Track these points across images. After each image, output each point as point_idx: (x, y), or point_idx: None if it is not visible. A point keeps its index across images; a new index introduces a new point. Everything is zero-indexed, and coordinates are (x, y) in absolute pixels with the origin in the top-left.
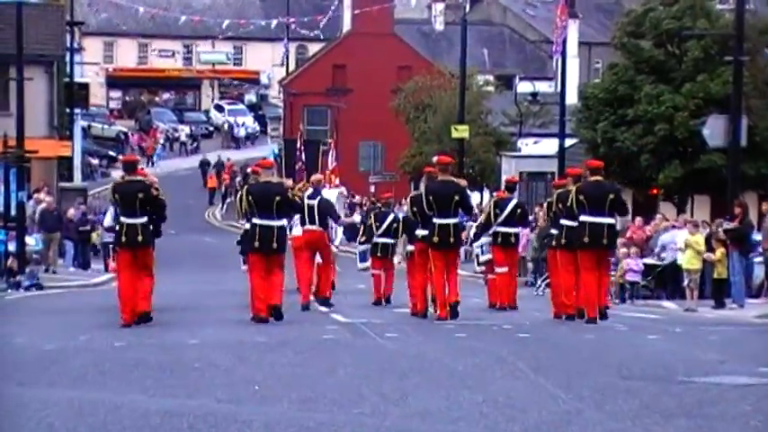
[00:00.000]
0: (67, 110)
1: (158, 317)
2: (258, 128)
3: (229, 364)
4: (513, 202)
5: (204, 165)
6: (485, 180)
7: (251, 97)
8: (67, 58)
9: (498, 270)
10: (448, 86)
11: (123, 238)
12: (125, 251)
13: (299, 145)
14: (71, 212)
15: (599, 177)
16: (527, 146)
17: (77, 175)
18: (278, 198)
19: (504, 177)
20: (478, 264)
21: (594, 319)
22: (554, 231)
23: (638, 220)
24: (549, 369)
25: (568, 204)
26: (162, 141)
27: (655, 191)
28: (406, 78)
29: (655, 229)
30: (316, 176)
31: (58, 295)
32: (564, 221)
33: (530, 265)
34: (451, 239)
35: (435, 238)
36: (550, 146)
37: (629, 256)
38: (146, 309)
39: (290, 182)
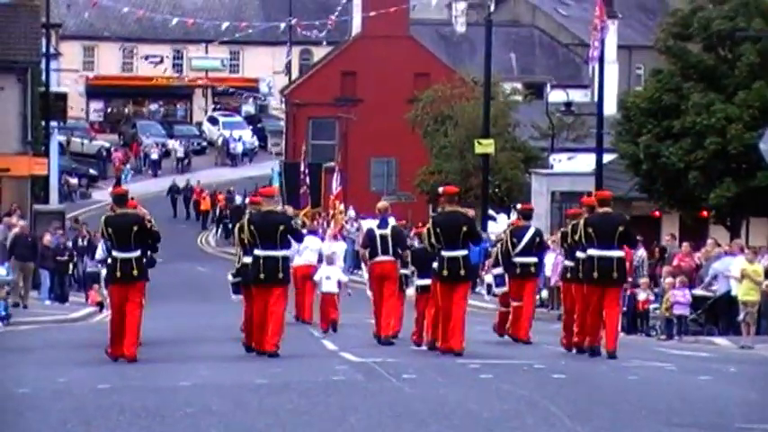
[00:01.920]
0: (43, 123)
1: (147, 354)
2: (257, 143)
3: (226, 409)
4: (531, 230)
5: (174, 191)
6: (512, 201)
7: (249, 108)
8: (43, 65)
9: (514, 304)
10: (470, 95)
11: (118, 274)
12: (119, 287)
13: (302, 168)
14: (47, 239)
15: (608, 209)
16: (560, 162)
17: (54, 196)
18: (281, 228)
19: (533, 199)
20: (489, 294)
21: (598, 350)
22: (568, 263)
23: (686, 245)
24: (587, 415)
25: (576, 237)
26: (154, 157)
27: (705, 213)
28: (424, 86)
29: (705, 256)
30: (382, 204)
31: (32, 331)
32: (579, 254)
33: None
34: (461, 272)
35: (445, 272)
36: (586, 162)
37: (676, 287)
38: (131, 355)
39: (290, 210)
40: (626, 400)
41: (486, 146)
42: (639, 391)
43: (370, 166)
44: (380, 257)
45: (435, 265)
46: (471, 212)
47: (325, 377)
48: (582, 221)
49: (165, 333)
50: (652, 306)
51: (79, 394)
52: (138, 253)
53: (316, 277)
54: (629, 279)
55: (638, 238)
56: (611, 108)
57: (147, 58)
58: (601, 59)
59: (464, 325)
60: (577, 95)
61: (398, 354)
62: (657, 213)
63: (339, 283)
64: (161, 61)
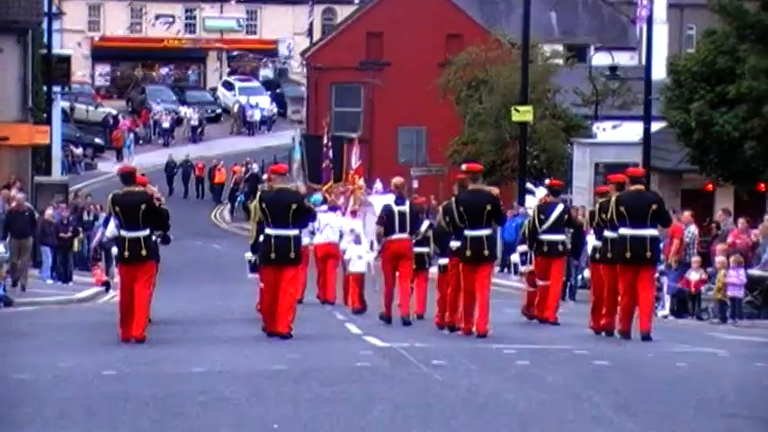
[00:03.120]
0: (44, 88)
1: (156, 338)
2: (276, 110)
3: (241, 398)
4: (560, 207)
5: (171, 167)
6: (552, 174)
7: (267, 73)
8: (45, 26)
9: (540, 283)
10: (507, 59)
11: (126, 254)
12: (127, 266)
13: (325, 141)
14: (49, 213)
15: (640, 187)
16: (604, 131)
17: (56, 167)
18: (294, 206)
19: (574, 171)
20: (515, 273)
21: (628, 335)
22: (597, 243)
23: (742, 222)
24: (634, 407)
25: (608, 216)
26: (165, 125)
27: (762, 186)
28: (457, 49)
29: (763, 233)
30: (399, 179)
31: (33, 313)
32: (607, 233)
33: None
34: (485, 252)
35: (468, 252)
36: (633, 131)
37: (731, 267)
38: (140, 334)
39: (303, 188)
40: (675, 389)
41: (523, 113)
42: (690, 380)
43: (398, 135)
44: (397, 235)
45: (453, 244)
46: (496, 191)
47: (348, 363)
48: (613, 200)
49: (176, 316)
50: (704, 287)
51: (82, 381)
52: (146, 232)
53: (345, 256)
54: (660, 258)
55: (690, 213)
56: (659, 72)
57: (157, 17)
58: (649, 19)
59: (489, 307)
60: (623, 58)
61: (427, 338)
62: (710, 187)
63: (369, 263)
64: (172, 22)
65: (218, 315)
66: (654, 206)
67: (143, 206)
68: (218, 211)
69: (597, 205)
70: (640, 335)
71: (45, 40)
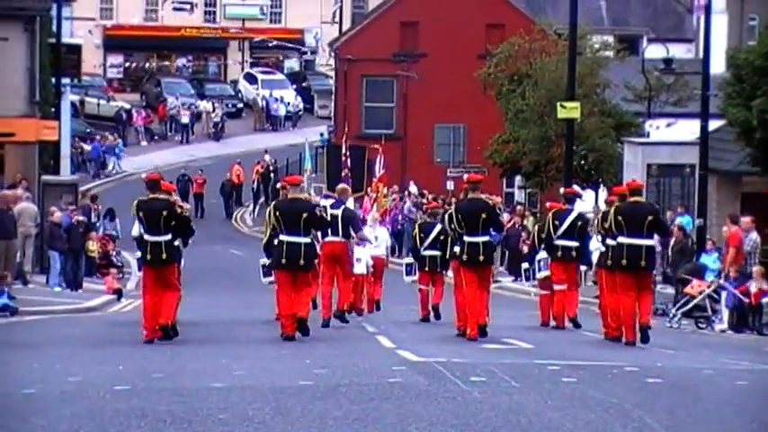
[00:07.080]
0: (53, 80)
1: (173, 350)
2: (302, 105)
3: (265, 416)
4: (574, 213)
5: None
6: (601, 175)
7: (292, 64)
8: (54, 12)
9: (556, 287)
10: (553, 50)
11: (148, 257)
12: (149, 269)
13: (344, 150)
14: (57, 215)
15: (638, 198)
16: (657, 130)
17: (66, 165)
18: (305, 215)
19: (625, 172)
20: (533, 278)
21: (633, 343)
22: (602, 248)
23: None
24: (688, 428)
25: (607, 225)
26: (183, 120)
27: None
28: (498, 40)
29: None
30: (342, 186)
31: (40, 323)
32: (609, 241)
33: (659, 287)
34: (480, 257)
35: (464, 256)
36: (689, 130)
37: None
38: (167, 321)
39: (317, 198)
40: (734, 410)
41: (570, 110)
42: (752, 400)
43: (435, 133)
44: (330, 237)
45: (456, 248)
46: (497, 199)
47: (380, 379)
48: (612, 210)
49: (193, 327)
50: (766, 299)
51: (94, 396)
52: (167, 237)
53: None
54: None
55: (751, 219)
56: (718, 66)
57: (174, 4)
58: (707, 8)
59: (488, 303)
60: (679, 51)
61: (465, 352)
62: None
63: (368, 265)
64: (191, 9)
65: (240, 327)
66: (650, 217)
67: (164, 212)
68: (239, 213)
69: (600, 214)
70: (639, 327)
71: (54, 28)
